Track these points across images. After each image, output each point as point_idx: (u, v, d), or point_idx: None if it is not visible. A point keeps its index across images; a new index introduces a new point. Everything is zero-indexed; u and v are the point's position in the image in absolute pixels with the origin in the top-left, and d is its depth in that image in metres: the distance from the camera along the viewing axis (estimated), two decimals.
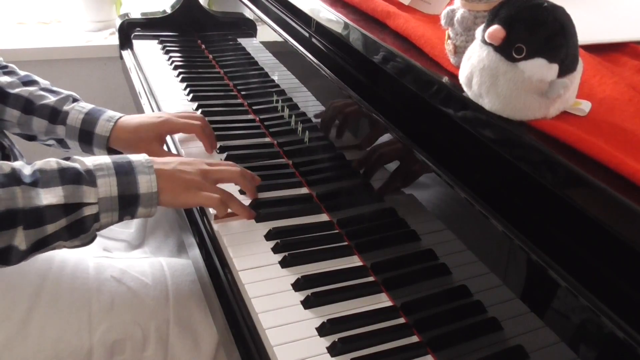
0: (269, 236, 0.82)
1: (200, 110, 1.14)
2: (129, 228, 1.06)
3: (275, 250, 0.79)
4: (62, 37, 1.85)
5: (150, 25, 1.53)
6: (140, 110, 1.26)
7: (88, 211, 0.72)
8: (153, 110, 1.20)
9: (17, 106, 0.98)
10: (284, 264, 0.77)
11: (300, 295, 0.72)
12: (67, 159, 0.75)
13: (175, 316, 0.88)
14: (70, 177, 0.71)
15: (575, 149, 0.50)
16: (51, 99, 0.99)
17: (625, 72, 0.66)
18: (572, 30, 0.52)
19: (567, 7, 0.52)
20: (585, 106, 0.55)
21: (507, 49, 0.52)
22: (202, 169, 0.82)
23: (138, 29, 1.52)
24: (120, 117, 0.98)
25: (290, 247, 0.79)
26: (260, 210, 0.86)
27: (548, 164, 0.50)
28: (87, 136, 0.97)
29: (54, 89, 1.02)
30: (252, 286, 0.73)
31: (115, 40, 1.59)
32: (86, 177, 0.72)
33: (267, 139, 1.08)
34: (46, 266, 0.87)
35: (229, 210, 0.83)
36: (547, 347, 0.51)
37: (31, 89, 1.00)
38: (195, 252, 0.85)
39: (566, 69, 0.52)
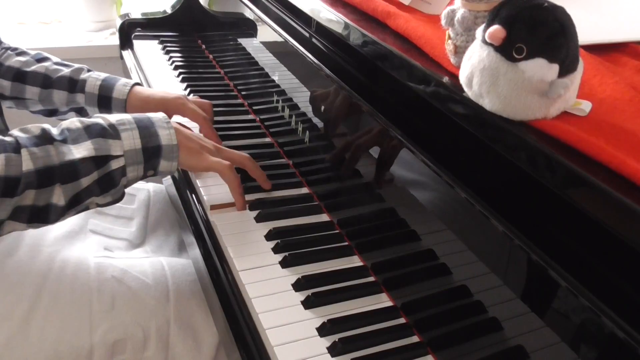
0: (269, 236, 0.82)
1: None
2: (130, 227, 1.06)
3: (276, 250, 0.79)
4: (63, 37, 1.85)
5: (150, 26, 1.53)
6: None
7: (115, 164, 0.75)
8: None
9: (36, 83, 1.02)
10: (284, 264, 0.77)
11: (300, 296, 0.73)
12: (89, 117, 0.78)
13: (176, 316, 0.88)
14: (96, 132, 0.75)
15: (575, 149, 0.50)
16: (66, 70, 1.03)
17: (626, 72, 0.66)
18: (572, 30, 0.52)
19: (567, 7, 0.52)
20: (586, 106, 0.55)
21: (507, 49, 0.52)
22: (216, 145, 0.87)
23: (138, 29, 1.52)
24: (136, 84, 1.03)
25: (291, 247, 0.79)
26: (260, 210, 0.86)
27: (548, 164, 0.50)
28: (105, 101, 1.01)
29: (66, 62, 1.06)
30: (253, 286, 0.73)
31: (115, 40, 1.59)
32: (110, 131, 0.76)
33: (268, 139, 1.08)
34: (47, 266, 0.87)
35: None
36: (547, 347, 0.51)
37: (46, 64, 1.04)
38: (196, 252, 0.85)
39: (566, 69, 0.52)
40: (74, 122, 0.76)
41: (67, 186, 0.72)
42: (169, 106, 1.00)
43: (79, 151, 0.73)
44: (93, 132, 0.75)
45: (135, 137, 0.77)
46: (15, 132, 0.73)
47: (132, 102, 1.01)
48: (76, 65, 1.04)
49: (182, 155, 0.81)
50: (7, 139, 0.71)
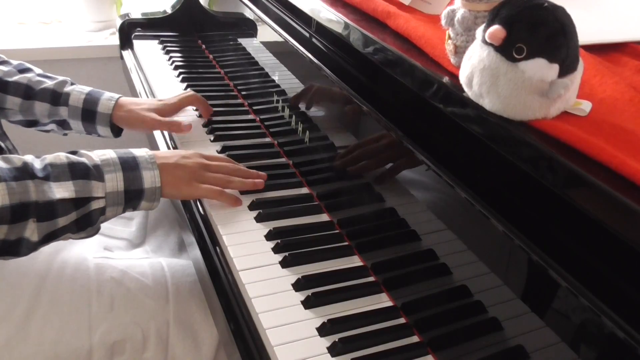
0: (269, 236, 0.82)
1: (198, 112, 1.14)
2: (130, 227, 1.06)
3: (276, 250, 0.79)
4: (63, 37, 1.85)
5: (150, 26, 1.53)
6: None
7: (95, 205, 0.75)
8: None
9: (17, 93, 1.01)
10: (284, 264, 0.77)
11: (300, 295, 0.72)
12: (74, 152, 0.77)
13: (176, 317, 0.88)
14: (80, 172, 0.74)
15: (575, 149, 0.50)
16: (50, 83, 1.02)
17: (626, 72, 0.66)
18: (572, 30, 0.52)
19: (567, 7, 0.52)
20: (586, 106, 0.55)
21: (507, 49, 0.51)
22: (200, 162, 0.85)
23: (138, 29, 1.52)
24: (120, 97, 1.03)
25: (291, 247, 0.79)
26: (260, 211, 0.86)
27: (548, 164, 0.50)
28: (90, 115, 1.01)
29: (49, 75, 1.06)
30: (253, 286, 0.73)
31: (115, 40, 1.59)
32: (94, 172, 0.75)
33: (268, 139, 1.08)
34: (46, 267, 0.87)
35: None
36: (547, 347, 0.51)
37: (28, 75, 1.03)
38: (196, 252, 0.85)
39: (567, 69, 0.52)
40: (59, 157, 0.75)
41: (43, 224, 0.71)
42: (159, 109, 1.03)
43: (60, 191, 0.72)
44: (77, 172, 0.74)
45: (119, 179, 0.76)
46: None
47: (120, 113, 1.02)
48: (60, 78, 1.04)
49: (169, 191, 0.81)
50: None
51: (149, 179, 0.78)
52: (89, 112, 1.01)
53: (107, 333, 0.84)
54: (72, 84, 1.04)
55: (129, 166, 0.78)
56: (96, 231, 0.79)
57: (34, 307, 0.83)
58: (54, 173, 0.72)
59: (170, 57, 1.40)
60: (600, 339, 0.46)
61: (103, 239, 1.01)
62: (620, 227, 0.44)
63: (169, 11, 1.55)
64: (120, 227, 1.06)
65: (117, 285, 0.88)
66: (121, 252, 1.00)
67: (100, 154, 0.78)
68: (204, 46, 1.48)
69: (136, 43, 1.48)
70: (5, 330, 0.81)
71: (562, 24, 0.51)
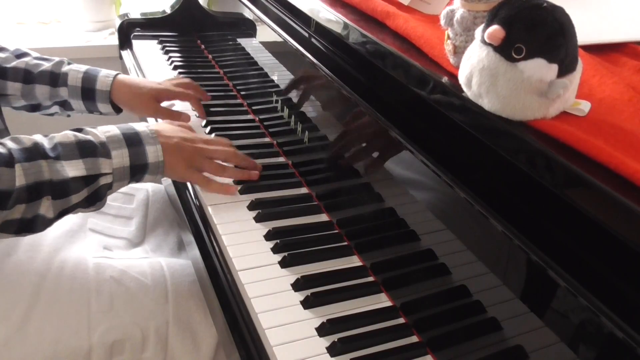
0: (268, 236, 0.82)
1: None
2: (129, 226, 1.06)
3: (275, 250, 0.79)
4: (62, 37, 1.84)
5: (149, 26, 1.53)
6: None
7: (104, 181, 0.77)
8: None
9: (17, 78, 1.02)
10: (283, 264, 0.77)
11: (299, 295, 0.72)
12: (80, 130, 0.79)
13: (175, 317, 0.88)
14: (88, 150, 0.76)
15: (574, 149, 0.50)
16: (47, 65, 1.03)
17: (625, 72, 0.66)
18: (571, 31, 0.52)
19: (566, 7, 0.52)
20: (585, 106, 0.55)
21: (506, 49, 0.52)
22: (199, 147, 0.88)
23: (137, 29, 1.52)
24: (118, 74, 1.05)
25: (290, 247, 0.79)
26: (259, 210, 0.86)
27: (547, 164, 0.50)
28: (89, 93, 1.03)
29: (45, 57, 1.06)
30: (252, 286, 0.73)
31: (114, 40, 1.59)
32: (101, 150, 0.77)
33: (267, 139, 1.08)
34: (45, 266, 0.87)
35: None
36: (546, 347, 0.51)
37: (26, 59, 1.04)
38: (195, 251, 0.85)
39: (566, 69, 0.52)
40: (67, 135, 0.77)
41: (57, 202, 0.74)
42: (160, 96, 1.05)
43: (71, 170, 0.74)
44: (85, 150, 0.76)
45: (125, 155, 0.79)
46: (9, 143, 0.72)
47: (121, 89, 1.03)
48: (56, 59, 1.05)
49: (167, 170, 0.84)
50: (1, 149, 0.70)
51: (152, 153, 0.81)
52: (88, 91, 1.02)
53: (107, 332, 0.84)
54: (68, 63, 1.05)
55: (133, 142, 0.80)
56: (103, 204, 0.81)
57: (33, 307, 0.83)
58: (64, 152, 0.75)
59: (170, 57, 1.40)
60: (599, 339, 0.46)
61: (103, 238, 1.01)
62: (619, 227, 0.44)
63: (168, 11, 1.55)
64: (119, 227, 1.05)
65: (116, 285, 0.88)
66: (121, 251, 1.00)
67: (104, 131, 0.80)
68: (203, 46, 1.48)
69: (135, 43, 1.48)
70: (5, 329, 0.81)
71: (561, 24, 0.51)
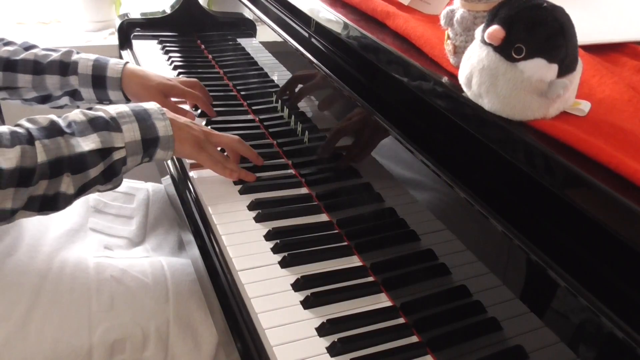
0: (268, 236, 0.82)
1: (199, 110, 1.14)
2: (130, 225, 1.06)
3: (275, 250, 0.79)
4: (62, 37, 1.84)
5: (149, 26, 1.53)
6: None
7: (117, 155, 0.79)
8: None
9: (27, 70, 1.03)
10: (283, 264, 0.77)
11: (299, 296, 0.72)
12: (89, 109, 0.81)
13: (175, 316, 0.88)
14: (100, 125, 0.78)
15: (574, 149, 0.50)
16: (56, 55, 1.05)
17: (625, 72, 0.66)
18: (571, 31, 0.52)
19: (566, 7, 0.52)
20: (585, 106, 0.55)
21: (506, 49, 0.52)
22: (205, 130, 0.91)
23: (137, 29, 1.52)
24: (127, 62, 1.06)
25: (290, 247, 0.79)
26: (260, 210, 0.86)
27: (547, 164, 0.50)
28: (100, 80, 1.04)
29: (54, 48, 1.08)
30: (252, 286, 0.73)
31: (114, 40, 1.59)
32: (112, 124, 0.79)
33: (267, 139, 1.08)
34: (46, 266, 0.87)
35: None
36: (546, 347, 0.51)
37: (34, 51, 1.05)
38: (195, 251, 0.85)
39: (566, 69, 0.52)
40: (77, 114, 0.79)
41: (77, 177, 0.75)
42: (168, 92, 1.07)
43: (87, 144, 0.76)
44: (97, 125, 0.78)
45: (135, 129, 0.80)
46: (25, 122, 0.74)
47: (129, 84, 1.04)
48: (65, 49, 1.06)
49: (176, 145, 0.85)
50: (20, 130, 0.72)
51: (162, 128, 0.83)
52: (99, 78, 1.04)
53: (107, 332, 0.84)
54: (77, 52, 1.06)
55: (142, 117, 0.82)
56: (120, 181, 0.83)
57: (33, 306, 0.83)
58: (78, 128, 0.77)
59: (170, 57, 1.40)
60: (599, 338, 0.46)
61: (103, 237, 1.01)
62: (619, 227, 0.44)
63: (168, 11, 1.55)
64: (120, 226, 1.06)
65: (117, 284, 0.88)
66: (121, 250, 1.00)
67: (114, 108, 0.82)
68: (203, 46, 1.48)
69: (135, 43, 1.48)
70: (5, 329, 0.81)
71: (561, 24, 0.51)
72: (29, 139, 0.72)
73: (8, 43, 1.06)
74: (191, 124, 0.88)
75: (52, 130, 0.74)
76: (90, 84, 1.04)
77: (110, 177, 0.80)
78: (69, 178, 0.74)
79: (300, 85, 0.99)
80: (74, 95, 1.06)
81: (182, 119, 0.88)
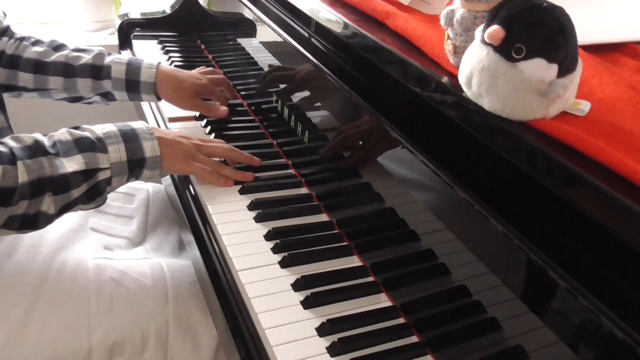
0: (268, 236, 0.82)
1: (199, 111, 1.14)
2: (130, 226, 1.06)
3: (275, 250, 0.79)
4: (62, 37, 1.84)
5: (149, 25, 1.53)
6: (140, 110, 1.26)
7: (102, 175, 0.78)
8: (152, 111, 1.20)
9: (57, 73, 1.03)
10: (283, 264, 0.77)
11: (299, 296, 0.72)
12: (77, 128, 0.81)
13: (175, 317, 0.88)
14: (86, 146, 0.78)
15: (574, 149, 0.50)
16: (87, 57, 1.04)
17: (625, 72, 0.66)
18: (571, 31, 0.52)
19: (566, 7, 0.52)
20: (585, 106, 0.55)
21: (506, 49, 0.51)
22: (196, 142, 0.91)
23: (137, 29, 1.52)
24: (159, 63, 1.06)
25: (290, 247, 0.79)
26: (259, 211, 0.86)
27: (547, 164, 0.50)
28: (134, 85, 1.04)
29: (83, 47, 1.07)
30: (252, 286, 0.73)
31: (114, 40, 1.59)
32: (98, 145, 0.79)
33: (267, 140, 1.08)
34: (46, 267, 0.87)
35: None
36: (546, 347, 0.51)
37: (64, 52, 1.04)
38: (195, 252, 0.85)
39: (566, 69, 0.52)
40: (63, 133, 0.79)
41: (59, 197, 0.75)
42: (201, 90, 1.08)
43: (71, 165, 0.75)
44: (82, 146, 0.78)
45: (121, 150, 0.80)
46: (10, 141, 0.74)
47: (163, 87, 1.04)
48: (95, 50, 1.05)
49: (165, 163, 0.85)
50: (3, 149, 0.72)
51: (149, 148, 0.83)
52: (132, 83, 1.04)
53: (107, 333, 0.84)
54: (108, 54, 1.06)
55: (129, 137, 0.82)
56: (104, 201, 0.82)
57: (33, 308, 0.83)
58: (63, 149, 0.76)
59: (170, 57, 1.40)
60: (599, 339, 0.46)
61: (103, 238, 1.01)
62: (619, 227, 0.44)
63: (168, 11, 1.55)
64: (120, 226, 1.06)
65: (116, 286, 0.88)
66: (121, 250, 1.00)
67: (101, 128, 0.82)
68: (203, 46, 1.48)
69: (135, 43, 1.48)
70: (5, 330, 0.81)
71: (561, 24, 0.51)
72: (12, 158, 0.71)
73: (36, 42, 1.06)
74: (180, 139, 0.88)
75: (36, 150, 0.74)
76: (124, 88, 1.04)
77: (93, 197, 0.79)
78: (51, 198, 0.74)
79: (303, 87, 0.99)
80: (107, 96, 1.07)
81: (170, 134, 0.87)
